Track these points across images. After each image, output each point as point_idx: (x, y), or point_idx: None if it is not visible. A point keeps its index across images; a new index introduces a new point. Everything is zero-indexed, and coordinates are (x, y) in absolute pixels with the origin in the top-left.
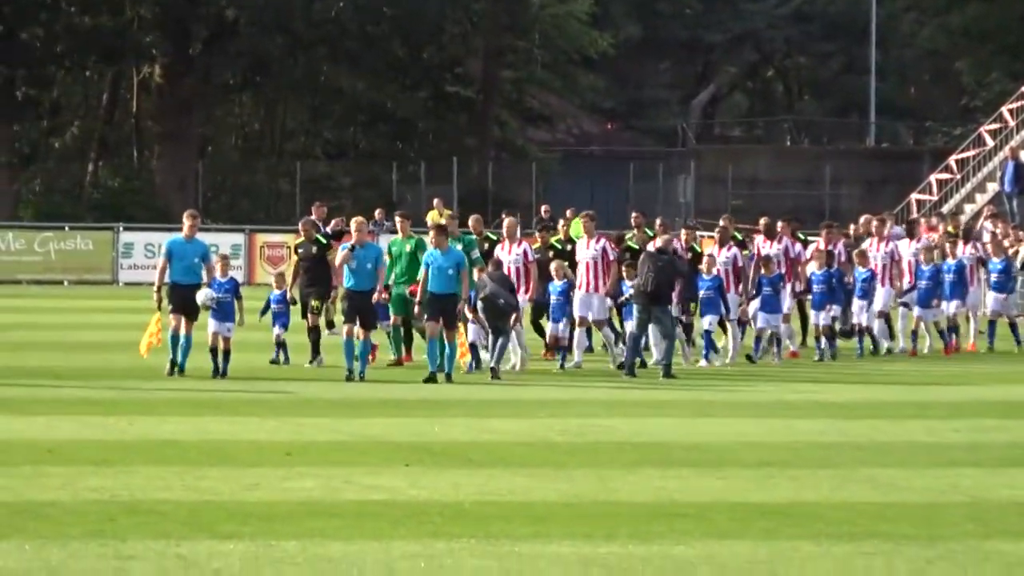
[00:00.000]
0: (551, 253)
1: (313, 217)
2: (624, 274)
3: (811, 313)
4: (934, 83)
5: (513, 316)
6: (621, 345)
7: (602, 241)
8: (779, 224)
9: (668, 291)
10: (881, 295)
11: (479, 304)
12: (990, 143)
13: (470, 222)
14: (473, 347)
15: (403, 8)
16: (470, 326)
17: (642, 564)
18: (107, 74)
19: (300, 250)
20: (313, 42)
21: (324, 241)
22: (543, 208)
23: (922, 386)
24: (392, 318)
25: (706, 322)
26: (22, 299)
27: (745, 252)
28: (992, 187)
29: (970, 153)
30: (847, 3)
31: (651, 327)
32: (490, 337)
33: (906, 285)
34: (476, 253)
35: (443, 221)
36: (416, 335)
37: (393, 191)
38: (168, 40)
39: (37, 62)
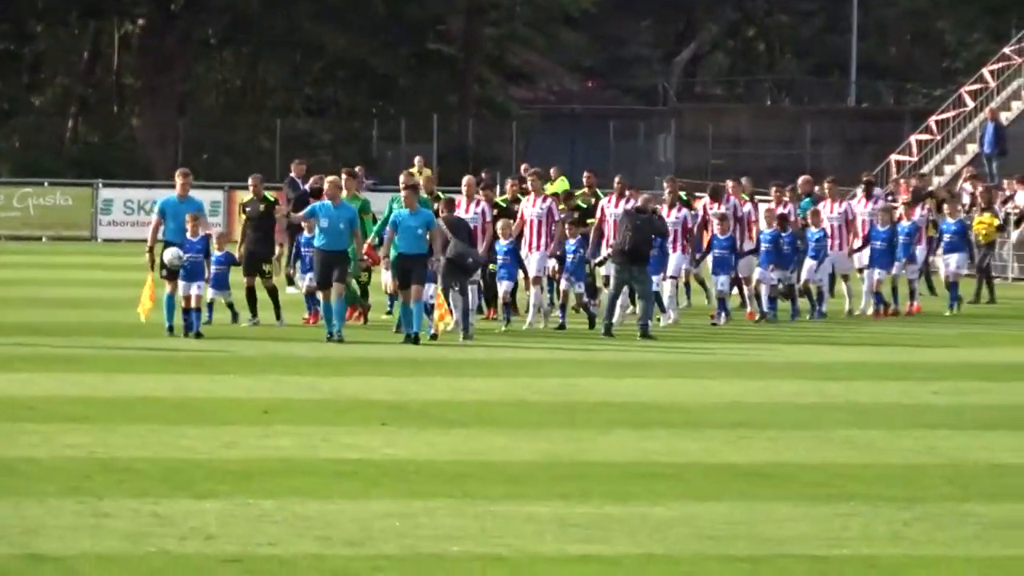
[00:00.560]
0: (496, 212)
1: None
2: (568, 232)
3: (755, 271)
4: (915, 43)
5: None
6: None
7: (548, 200)
8: (728, 184)
9: (646, 250)
10: (838, 258)
11: (442, 265)
12: (970, 104)
13: (421, 181)
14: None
15: None
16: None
17: (618, 524)
18: (88, 30)
19: (248, 208)
20: None
21: (271, 199)
22: (523, 166)
23: (901, 347)
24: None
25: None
26: (0, 255)
27: (691, 212)
28: (972, 148)
29: (950, 114)
30: None
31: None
32: (452, 297)
33: (856, 244)
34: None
35: (422, 179)
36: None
37: (373, 148)
38: None
39: (18, 17)
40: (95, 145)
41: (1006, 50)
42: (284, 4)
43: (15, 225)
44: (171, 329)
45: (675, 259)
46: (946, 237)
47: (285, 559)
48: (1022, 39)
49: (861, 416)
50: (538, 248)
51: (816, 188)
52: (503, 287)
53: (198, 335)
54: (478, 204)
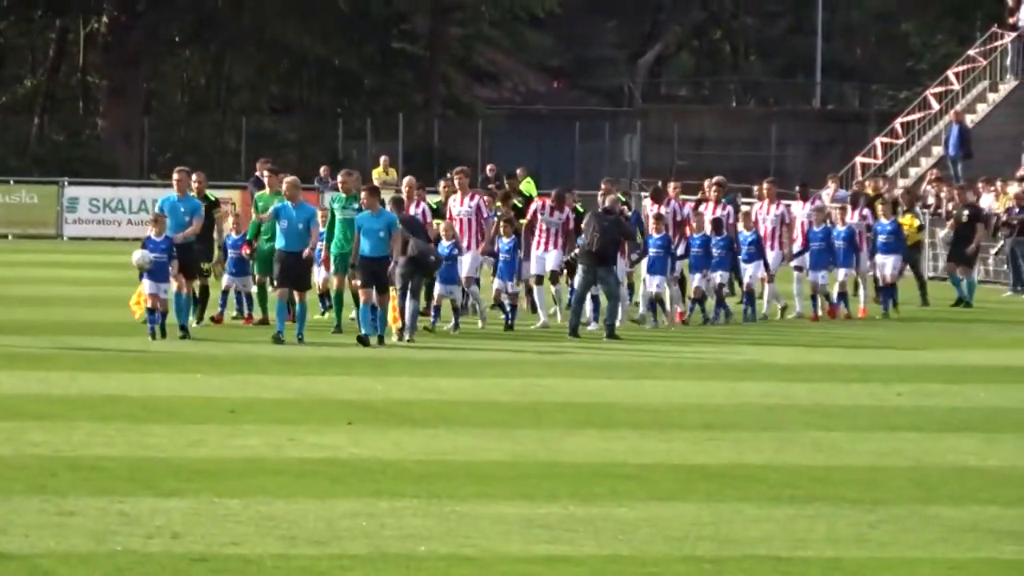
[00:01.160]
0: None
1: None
2: (502, 231)
3: (688, 276)
4: (880, 45)
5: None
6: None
7: (476, 198)
8: (670, 186)
9: (613, 251)
10: (771, 258)
11: (399, 267)
12: (935, 106)
13: (341, 177)
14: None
15: None
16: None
17: (584, 525)
18: (53, 27)
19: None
20: None
21: (213, 199)
22: (489, 167)
23: (866, 350)
24: (256, 276)
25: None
26: None
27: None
28: (937, 151)
29: (915, 116)
30: None
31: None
32: (401, 300)
33: (796, 247)
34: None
35: (388, 178)
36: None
37: (339, 147)
38: None
39: None
40: (61, 143)
41: (971, 52)
42: (250, 3)
43: None
44: (183, 328)
45: (619, 263)
46: (880, 238)
47: (251, 558)
48: (986, 41)
49: (826, 418)
50: (468, 248)
51: (758, 188)
52: (443, 289)
53: (163, 335)
54: (418, 204)
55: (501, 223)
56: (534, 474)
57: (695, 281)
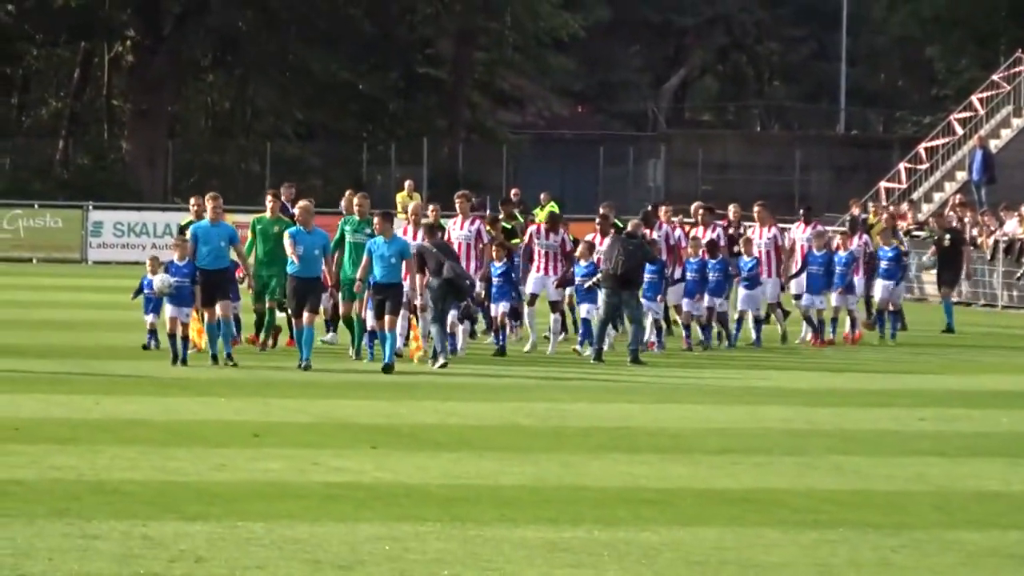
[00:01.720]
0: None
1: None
2: (494, 255)
3: (683, 300)
4: (904, 70)
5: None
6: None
7: (476, 223)
8: (661, 210)
9: (637, 275)
10: (768, 284)
11: (432, 289)
12: (959, 131)
13: (354, 200)
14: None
15: None
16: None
17: (607, 549)
18: (78, 51)
19: (187, 230)
20: (284, 21)
21: None
22: (513, 191)
23: (888, 374)
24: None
25: (583, 310)
26: None
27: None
28: (961, 175)
29: (939, 141)
30: None
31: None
32: (434, 324)
33: (794, 270)
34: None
35: (412, 204)
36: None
37: (363, 172)
38: (139, 18)
39: (8, 39)
40: (85, 167)
41: (995, 77)
42: (274, 27)
43: (5, 247)
44: (214, 358)
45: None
46: (882, 264)
47: None
48: (1010, 66)
49: (849, 442)
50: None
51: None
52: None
53: (184, 362)
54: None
55: (493, 247)
56: (557, 498)
57: (685, 306)
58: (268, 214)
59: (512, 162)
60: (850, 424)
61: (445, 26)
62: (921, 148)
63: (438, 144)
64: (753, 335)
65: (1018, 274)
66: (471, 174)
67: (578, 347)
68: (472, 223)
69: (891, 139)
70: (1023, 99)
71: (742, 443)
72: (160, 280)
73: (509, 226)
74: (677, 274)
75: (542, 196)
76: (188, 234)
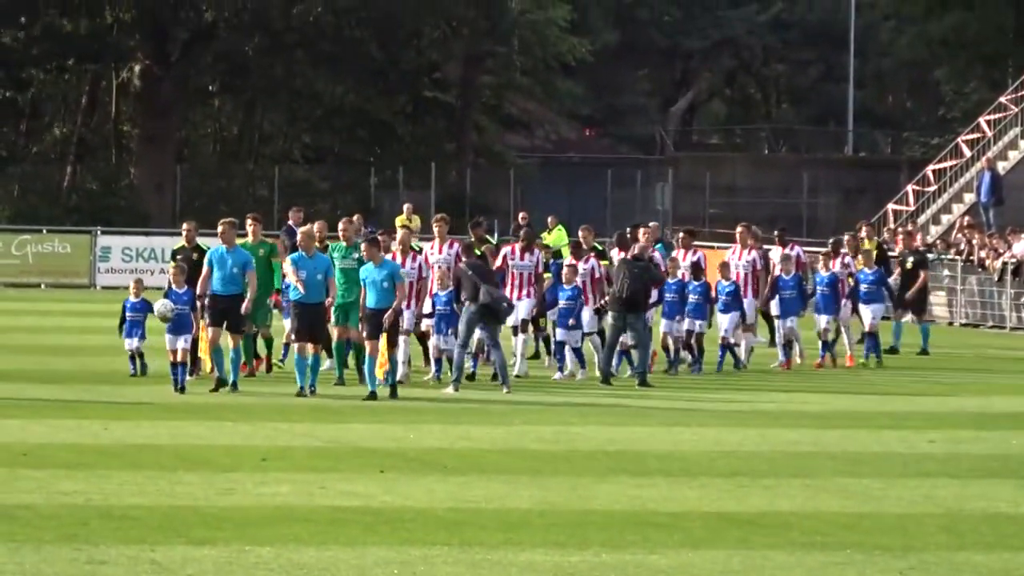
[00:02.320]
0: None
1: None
2: (439, 283)
3: (662, 322)
4: (912, 92)
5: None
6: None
7: (455, 246)
8: (640, 231)
9: (643, 298)
10: (747, 305)
11: (468, 313)
12: (967, 153)
13: (341, 226)
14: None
15: (381, 12)
16: (433, 337)
17: (615, 573)
18: (86, 77)
19: (179, 256)
20: (291, 45)
21: (205, 248)
22: (521, 215)
23: (897, 396)
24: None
25: (559, 333)
26: None
27: (604, 263)
28: (969, 198)
29: (947, 163)
30: (826, 11)
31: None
32: (459, 348)
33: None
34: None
35: (411, 225)
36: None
37: (371, 196)
38: (147, 43)
39: (16, 64)
40: (93, 192)
41: (1002, 99)
42: (281, 52)
43: (13, 272)
44: (221, 381)
45: (588, 313)
46: (863, 287)
47: None
48: (1018, 88)
49: (857, 465)
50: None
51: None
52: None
53: (182, 390)
54: (414, 258)
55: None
56: (565, 522)
57: (663, 328)
58: (250, 238)
59: (520, 186)
60: (858, 446)
61: (452, 50)
62: (929, 170)
63: (446, 168)
64: (736, 358)
65: None
66: (479, 198)
67: (559, 375)
68: (451, 246)
69: (899, 161)
70: None
71: (750, 466)
72: (162, 305)
73: (479, 252)
74: (654, 296)
75: (549, 220)
76: (205, 258)
